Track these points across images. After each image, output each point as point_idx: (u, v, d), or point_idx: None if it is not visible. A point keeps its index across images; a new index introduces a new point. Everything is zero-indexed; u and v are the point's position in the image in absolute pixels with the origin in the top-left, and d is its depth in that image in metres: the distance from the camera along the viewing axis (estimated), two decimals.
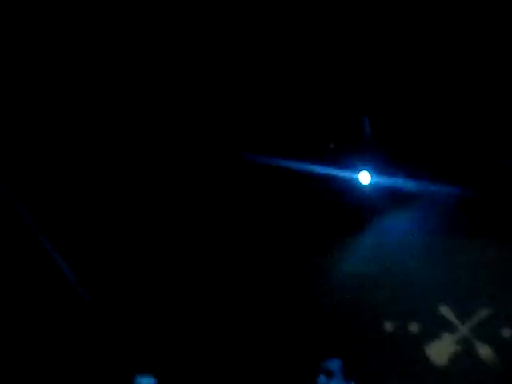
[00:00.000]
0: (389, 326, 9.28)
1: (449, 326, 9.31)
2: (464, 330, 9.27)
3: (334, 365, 6.33)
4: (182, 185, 9.45)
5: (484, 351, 9.11)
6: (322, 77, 8.97)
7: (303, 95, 9.09)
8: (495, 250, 9.58)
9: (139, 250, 9.41)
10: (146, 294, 9.40)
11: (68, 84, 8.21)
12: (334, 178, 9.51)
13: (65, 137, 8.72)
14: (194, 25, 7.85)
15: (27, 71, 8.01)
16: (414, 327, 9.28)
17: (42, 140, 8.70)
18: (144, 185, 9.34)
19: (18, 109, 8.41)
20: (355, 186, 9.57)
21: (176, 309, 9.40)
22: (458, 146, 9.46)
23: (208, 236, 9.48)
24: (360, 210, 9.72)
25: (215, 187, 9.50)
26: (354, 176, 9.57)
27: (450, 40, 8.39)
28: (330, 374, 6.20)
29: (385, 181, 9.60)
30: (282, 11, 7.90)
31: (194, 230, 9.47)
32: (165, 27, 7.90)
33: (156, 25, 7.85)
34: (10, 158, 8.71)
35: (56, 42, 7.81)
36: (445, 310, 9.35)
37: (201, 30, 7.91)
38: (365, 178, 9.51)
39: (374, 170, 9.55)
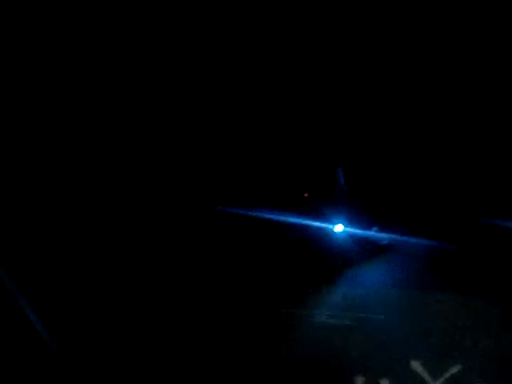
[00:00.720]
0: (360, 381, 9.03)
1: (420, 382, 9.06)
2: None
3: None
4: (160, 235, 9.32)
5: None
6: (299, 127, 8.94)
7: (279, 145, 9.04)
8: (469, 304, 9.42)
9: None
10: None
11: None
12: (308, 227, 9.38)
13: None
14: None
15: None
16: (385, 382, 9.03)
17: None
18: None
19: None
20: (329, 236, 9.44)
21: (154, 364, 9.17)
22: (434, 201, 9.39)
23: (183, 284, 9.28)
24: (333, 260, 9.56)
25: (190, 238, 9.37)
26: (328, 226, 9.46)
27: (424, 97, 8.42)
28: None
29: (359, 232, 9.48)
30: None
31: (170, 279, 9.28)
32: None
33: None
34: None
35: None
36: (417, 366, 9.11)
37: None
38: (339, 228, 9.40)
39: (348, 221, 9.45)
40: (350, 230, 9.52)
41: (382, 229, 9.56)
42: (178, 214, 9.15)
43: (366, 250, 9.53)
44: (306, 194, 9.36)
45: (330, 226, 9.45)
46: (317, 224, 9.43)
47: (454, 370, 8.92)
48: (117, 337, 8.91)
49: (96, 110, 8.52)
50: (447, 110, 9.07)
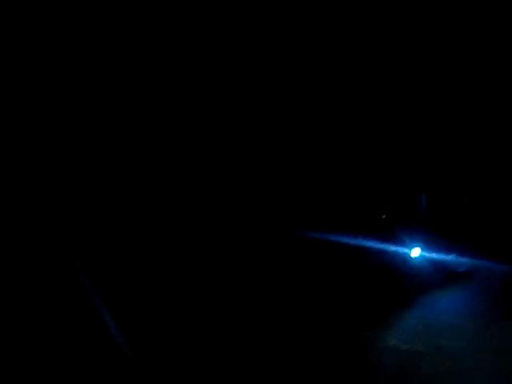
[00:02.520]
0: None
1: None
2: None
3: None
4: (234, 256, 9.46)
5: None
6: (381, 151, 9.00)
7: (361, 168, 9.11)
8: None
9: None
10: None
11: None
12: (385, 251, 9.36)
13: None
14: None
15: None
16: None
17: None
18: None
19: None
20: (406, 260, 9.39)
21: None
22: None
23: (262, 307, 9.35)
24: (409, 285, 9.48)
25: (271, 263, 9.47)
26: (406, 251, 9.42)
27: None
28: None
29: (436, 257, 9.40)
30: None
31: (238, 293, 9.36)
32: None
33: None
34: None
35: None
36: None
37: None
38: (416, 253, 9.34)
39: (427, 246, 9.39)
40: (428, 254, 9.42)
41: (461, 255, 9.43)
42: (259, 237, 9.26)
43: (443, 276, 9.39)
44: (384, 216, 9.34)
45: (408, 251, 9.38)
46: (395, 248, 9.37)
47: None
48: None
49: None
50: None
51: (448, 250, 9.42)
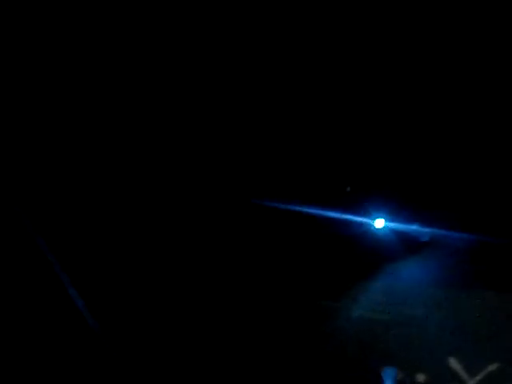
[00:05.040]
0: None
1: (457, 379, 9.39)
2: (472, 383, 9.34)
3: None
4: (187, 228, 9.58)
5: None
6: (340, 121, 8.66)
7: (321, 138, 8.82)
8: (506, 302, 9.27)
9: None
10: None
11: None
12: (348, 222, 9.29)
13: None
14: None
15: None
16: (420, 378, 9.46)
17: None
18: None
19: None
20: (369, 230, 9.32)
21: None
22: (478, 195, 8.85)
23: (218, 279, 9.72)
24: (373, 255, 9.48)
25: (225, 231, 9.60)
26: (369, 221, 9.30)
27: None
28: None
29: (400, 227, 9.25)
30: None
31: (200, 273, 9.69)
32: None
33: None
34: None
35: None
36: (453, 363, 9.39)
37: None
38: (380, 223, 9.23)
39: (389, 215, 9.20)
40: (391, 225, 9.24)
41: (424, 224, 9.16)
42: (212, 207, 9.33)
43: (407, 246, 9.28)
44: (348, 189, 9.09)
45: (371, 221, 9.24)
46: (358, 219, 9.25)
47: (492, 368, 9.15)
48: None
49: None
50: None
51: (411, 219, 9.16)
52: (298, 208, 8.98)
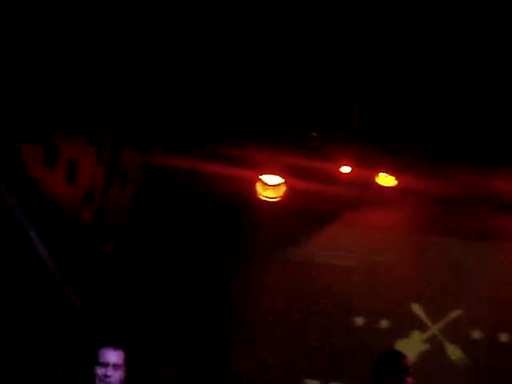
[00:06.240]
0: (360, 321, 9.60)
1: (419, 325, 9.48)
2: (434, 329, 9.43)
3: None
4: None
5: (452, 351, 9.36)
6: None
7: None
8: (472, 249, 9.43)
9: None
10: None
11: None
12: (313, 168, 9.26)
13: None
14: None
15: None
16: (384, 323, 9.54)
17: None
18: None
19: None
20: (334, 176, 9.29)
21: None
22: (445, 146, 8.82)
23: None
24: (338, 201, 9.47)
25: None
26: (334, 167, 9.26)
27: None
28: None
29: (361, 173, 9.21)
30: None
31: None
32: None
33: None
34: None
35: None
36: (417, 308, 9.47)
37: None
38: (345, 169, 9.19)
39: (355, 162, 9.16)
40: (357, 171, 9.20)
41: (390, 171, 9.12)
42: None
43: (372, 192, 9.27)
44: (314, 133, 9.01)
45: (336, 167, 9.20)
46: (322, 164, 9.20)
47: (453, 314, 9.25)
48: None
49: None
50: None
51: (377, 166, 9.11)
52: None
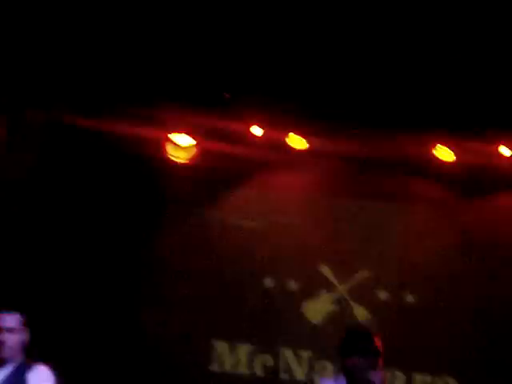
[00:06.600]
0: (268, 282, 9.61)
1: (327, 286, 9.56)
2: (342, 290, 9.52)
3: None
4: None
5: (360, 312, 9.47)
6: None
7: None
8: (378, 211, 9.51)
9: None
10: None
11: None
12: (224, 129, 9.19)
13: None
14: None
15: None
16: (293, 285, 9.59)
17: None
18: None
19: None
20: (246, 138, 9.24)
21: None
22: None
23: None
24: (249, 163, 9.43)
25: None
26: (245, 128, 9.22)
27: None
28: None
29: (272, 134, 9.20)
30: None
31: None
32: None
33: None
34: None
35: None
36: (325, 270, 9.54)
37: None
38: (255, 131, 9.16)
39: (266, 124, 9.13)
40: (268, 132, 9.17)
41: (299, 133, 9.13)
42: None
43: (284, 154, 9.26)
44: (226, 94, 8.91)
45: (246, 129, 9.15)
46: (232, 126, 9.14)
47: (361, 276, 9.34)
48: None
49: None
50: None
51: (287, 127, 9.10)
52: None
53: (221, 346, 9.48)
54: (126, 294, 9.27)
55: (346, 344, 5.57)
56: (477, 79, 8.12)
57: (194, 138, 9.18)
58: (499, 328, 9.03)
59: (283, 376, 9.41)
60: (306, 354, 9.38)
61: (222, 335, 9.52)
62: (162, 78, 8.67)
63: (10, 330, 5.55)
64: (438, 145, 8.95)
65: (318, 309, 9.52)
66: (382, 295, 9.44)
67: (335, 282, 9.51)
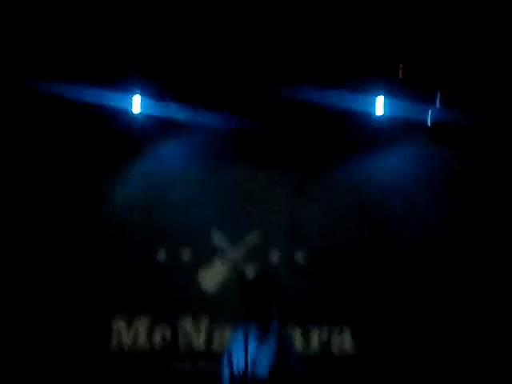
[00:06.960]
0: (162, 255, 9.67)
1: (220, 252, 9.69)
2: (235, 255, 9.68)
3: None
4: None
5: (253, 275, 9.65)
6: None
7: None
8: (266, 175, 9.69)
9: None
10: None
11: None
12: (102, 105, 9.10)
13: None
14: None
15: None
16: (186, 255, 9.68)
17: None
18: None
19: None
20: (124, 113, 9.19)
21: None
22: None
23: None
24: (131, 138, 9.39)
25: None
26: (123, 103, 9.15)
27: None
28: None
29: (156, 109, 9.17)
30: None
31: None
32: None
33: None
34: None
35: None
36: (216, 235, 9.67)
37: None
38: (136, 105, 9.10)
39: (147, 96, 9.09)
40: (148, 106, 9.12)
41: (180, 103, 9.15)
42: None
43: (166, 126, 9.27)
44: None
45: (127, 103, 9.09)
46: (111, 101, 9.07)
47: (252, 238, 9.52)
48: None
49: None
50: None
51: (166, 97, 9.08)
52: None
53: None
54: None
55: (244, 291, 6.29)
56: None
57: None
58: (388, 281, 9.50)
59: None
60: (204, 323, 9.55)
61: (121, 309, 9.55)
62: None
63: None
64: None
65: (213, 276, 9.65)
66: (274, 256, 9.65)
67: (227, 245, 9.66)
